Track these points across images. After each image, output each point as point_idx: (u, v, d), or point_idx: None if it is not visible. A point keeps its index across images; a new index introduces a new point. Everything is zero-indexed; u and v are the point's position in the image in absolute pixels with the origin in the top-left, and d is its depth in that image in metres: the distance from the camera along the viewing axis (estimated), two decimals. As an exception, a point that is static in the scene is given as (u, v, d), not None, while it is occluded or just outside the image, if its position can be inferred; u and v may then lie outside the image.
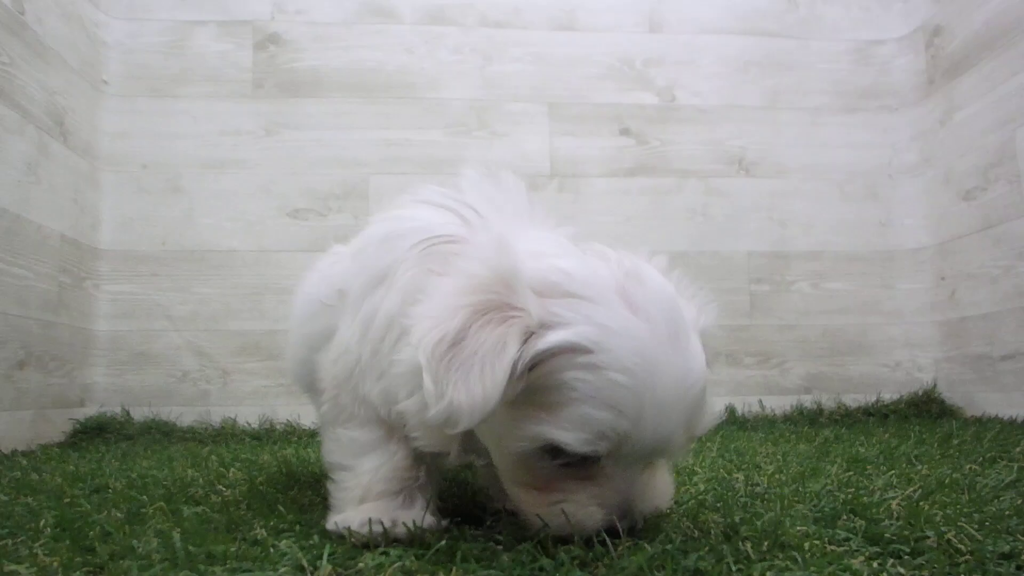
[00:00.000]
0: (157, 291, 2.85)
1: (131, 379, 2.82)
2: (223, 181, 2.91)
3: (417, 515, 0.96)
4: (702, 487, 1.30)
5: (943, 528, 0.89)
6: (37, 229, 2.35)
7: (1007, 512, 0.98)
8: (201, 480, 1.51)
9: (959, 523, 0.90)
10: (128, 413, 2.76)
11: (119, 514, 1.13)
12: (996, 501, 1.06)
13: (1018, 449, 1.67)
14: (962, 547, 0.83)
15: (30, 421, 2.38)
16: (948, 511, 0.99)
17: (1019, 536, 0.86)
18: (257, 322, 2.88)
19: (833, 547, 0.88)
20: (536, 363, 0.80)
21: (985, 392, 2.74)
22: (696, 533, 0.96)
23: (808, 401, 2.97)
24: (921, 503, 1.03)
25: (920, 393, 2.95)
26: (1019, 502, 1.04)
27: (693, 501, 1.18)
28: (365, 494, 0.98)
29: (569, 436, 0.79)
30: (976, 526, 0.90)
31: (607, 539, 0.82)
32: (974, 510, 1.01)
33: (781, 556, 0.84)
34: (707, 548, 0.86)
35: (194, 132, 2.92)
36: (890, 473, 1.30)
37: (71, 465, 1.88)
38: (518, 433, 0.82)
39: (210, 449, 2.28)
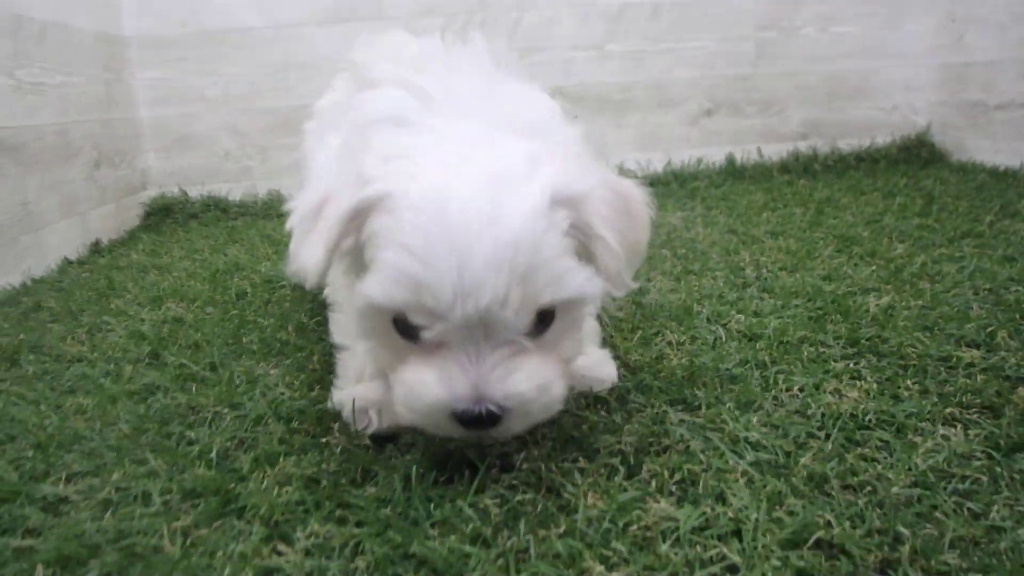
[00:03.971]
0: (187, 74, 2.99)
1: (180, 161, 3.06)
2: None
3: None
4: (720, 281, 1.60)
5: (903, 336, 1.19)
6: (74, 32, 2.47)
7: (954, 312, 1.28)
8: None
9: (915, 333, 1.20)
10: (185, 193, 3.03)
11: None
12: (950, 297, 1.36)
13: (988, 218, 1.96)
14: (912, 352, 1.14)
15: (114, 212, 2.66)
16: (910, 312, 1.30)
17: (955, 341, 1.17)
18: (283, 99, 3.04)
19: (822, 349, 1.19)
20: (363, 222, 0.83)
21: (976, 139, 2.96)
22: (724, 336, 1.28)
23: (804, 147, 3.21)
24: (891, 306, 1.33)
25: (913, 137, 3.18)
26: (964, 300, 1.34)
27: (716, 298, 1.48)
28: (360, 374, 1.05)
29: (372, 286, 0.78)
30: (927, 332, 1.21)
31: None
32: (931, 307, 1.32)
33: (790, 359, 1.15)
34: (737, 357, 1.16)
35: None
36: (872, 267, 1.58)
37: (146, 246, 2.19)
38: (356, 300, 0.82)
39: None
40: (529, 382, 0.79)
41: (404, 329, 0.81)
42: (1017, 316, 1.23)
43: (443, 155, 0.82)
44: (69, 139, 2.36)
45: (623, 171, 3.10)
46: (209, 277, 1.92)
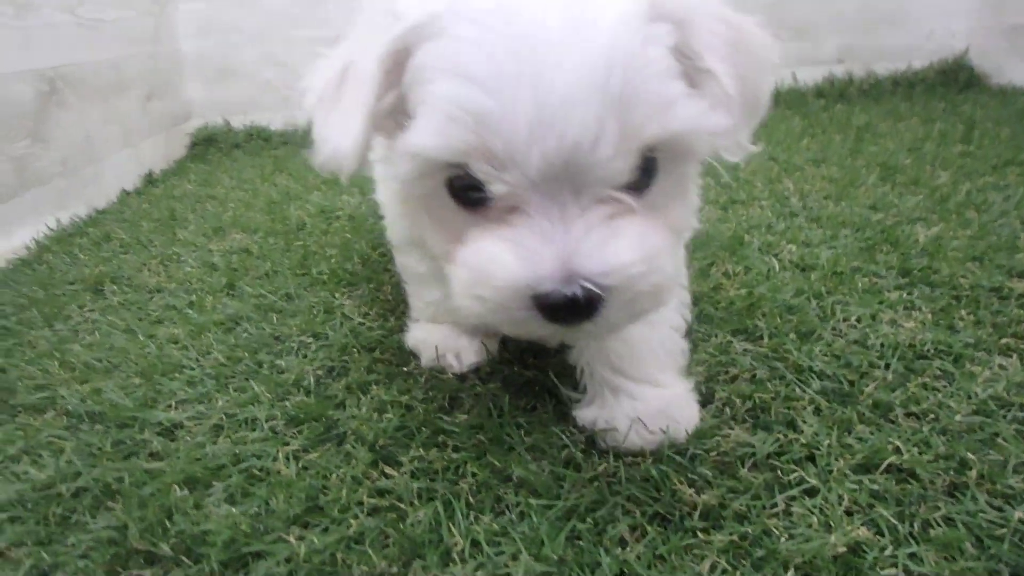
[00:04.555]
0: (227, 6, 3.01)
1: (222, 92, 3.09)
2: None
3: (475, 348, 1.03)
4: (768, 211, 1.64)
5: (954, 266, 1.23)
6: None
7: (1003, 243, 1.32)
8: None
9: (965, 263, 1.24)
10: (228, 123, 3.07)
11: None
12: (997, 227, 1.40)
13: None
14: (964, 283, 1.19)
15: (164, 143, 2.72)
16: (959, 243, 1.34)
17: (1005, 272, 1.21)
18: (322, 29, 3.04)
19: (875, 280, 1.24)
20: (404, 65, 0.65)
21: (1016, 63, 2.94)
22: (777, 266, 1.32)
23: (840, 72, 3.20)
24: (940, 236, 1.37)
25: (950, 60, 3.16)
26: (1011, 230, 1.37)
27: (765, 228, 1.52)
28: (435, 316, 1.05)
29: (421, 132, 0.60)
30: (977, 263, 1.25)
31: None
32: (979, 238, 1.36)
33: (844, 290, 1.20)
34: (792, 288, 1.21)
35: None
36: (918, 197, 1.61)
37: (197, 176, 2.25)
38: (400, 163, 0.64)
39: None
40: (634, 251, 0.60)
41: (463, 194, 0.63)
42: (1065, 246, 1.27)
43: None
44: (123, 73, 2.40)
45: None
46: (265, 207, 1.98)
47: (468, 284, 0.63)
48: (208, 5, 2.99)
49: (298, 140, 3.00)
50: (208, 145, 3.00)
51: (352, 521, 0.75)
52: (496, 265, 0.60)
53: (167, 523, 0.76)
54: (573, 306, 0.58)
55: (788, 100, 3.05)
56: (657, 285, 0.62)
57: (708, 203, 1.73)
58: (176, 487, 0.81)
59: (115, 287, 1.46)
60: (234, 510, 0.77)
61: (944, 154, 1.98)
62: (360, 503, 0.78)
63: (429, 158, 0.61)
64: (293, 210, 1.93)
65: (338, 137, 0.66)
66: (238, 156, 2.86)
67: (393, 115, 0.67)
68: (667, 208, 0.66)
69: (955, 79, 3.09)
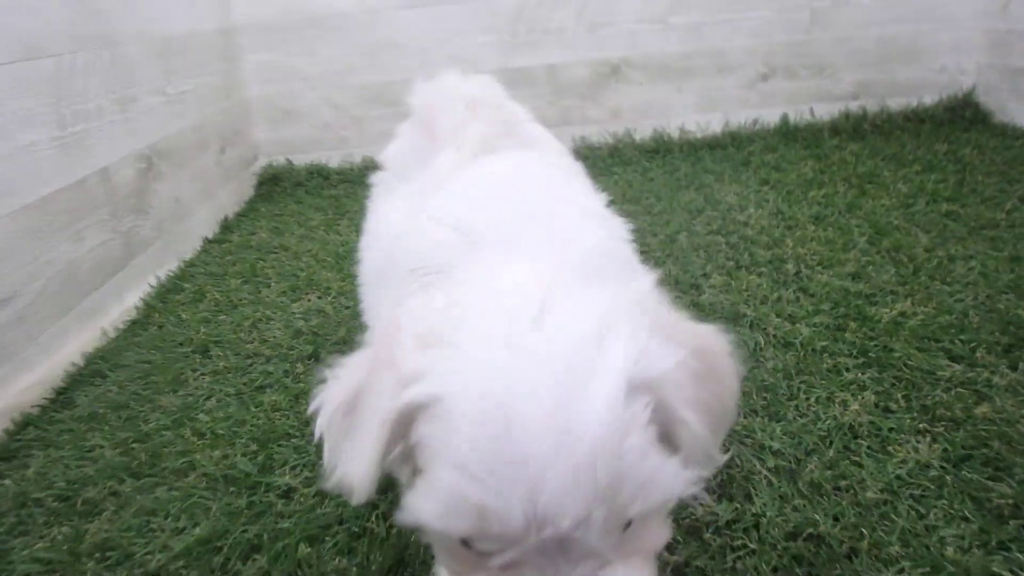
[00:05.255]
0: (290, 56, 3.34)
1: (285, 133, 3.44)
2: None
3: None
4: (764, 279, 1.92)
5: (905, 347, 1.51)
6: (200, 36, 2.83)
7: (953, 320, 1.59)
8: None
9: (916, 344, 1.52)
10: (290, 162, 3.42)
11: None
12: (953, 303, 1.67)
13: (1010, 203, 2.23)
14: (910, 365, 1.47)
15: (235, 186, 3.08)
16: (916, 321, 1.61)
17: (945, 355, 1.49)
18: (376, 75, 3.38)
19: (838, 360, 1.52)
20: (410, 423, 0.69)
21: (1017, 103, 3.16)
22: (763, 342, 1.61)
23: (855, 107, 3.44)
24: (903, 313, 1.65)
25: (959, 96, 3.38)
26: (964, 307, 1.64)
27: (759, 301, 1.81)
28: None
29: (426, 509, 0.64)
30: (926, 341, 1.53)
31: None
32: (935, 316, 1.63)
33: (812, 369, 1.49)
34: (771, 365, 1.50)
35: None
36: (896, 267, 1.88)
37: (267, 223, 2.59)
38: (406, 514, 0.67)
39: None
40: None
41: (471, 545, 0.67)
42: (997, 331, 1.54)
43: (491, 332, 0.68)
44: (202, 133, 2.74)
45: (684, 133, 3.40)
46: (333, 263, 2.31)
47: None
48: (273, 55, 3.33)
49: (354, 177, 3.32)
50: (273, 184, 3.34)
51: (426, 573, 1.07)
52: None
53: (298, 571, 1.08)
54: None
55: (805, 137, 3.29)
56: None
57: (716, 267, 2.02)
58: (302, 544, 1.14)
59: (219, 351, 1.80)
60: (345, 561, 1.09)
61: (931, 212, 2.24)
62: (433, 557, 1.09)
63: (434, 531, 0.65)
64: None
65: (350, 470, 0.71)
66: (301, 196, 3.19)
67: (404, 460, 0.72)
68: (645, 538, 0.71)
69: (962, 115, 3.31)
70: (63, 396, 1.71)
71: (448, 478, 0.62)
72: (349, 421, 0.72)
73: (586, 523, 0.61)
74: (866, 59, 3.41)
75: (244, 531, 1.18)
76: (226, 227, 2.85)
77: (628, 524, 0.66)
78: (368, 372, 0.73)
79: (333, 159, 3.45)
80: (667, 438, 0.70)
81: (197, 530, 1.20)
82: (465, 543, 0.66)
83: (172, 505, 1.28)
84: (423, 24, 3.27)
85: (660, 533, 0.74)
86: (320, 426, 0.75)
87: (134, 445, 1.46)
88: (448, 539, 0.67)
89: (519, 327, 0.67)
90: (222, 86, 3.01)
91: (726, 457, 0.77)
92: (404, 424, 0.69)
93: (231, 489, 1.30)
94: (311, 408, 0.77)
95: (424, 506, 0.64)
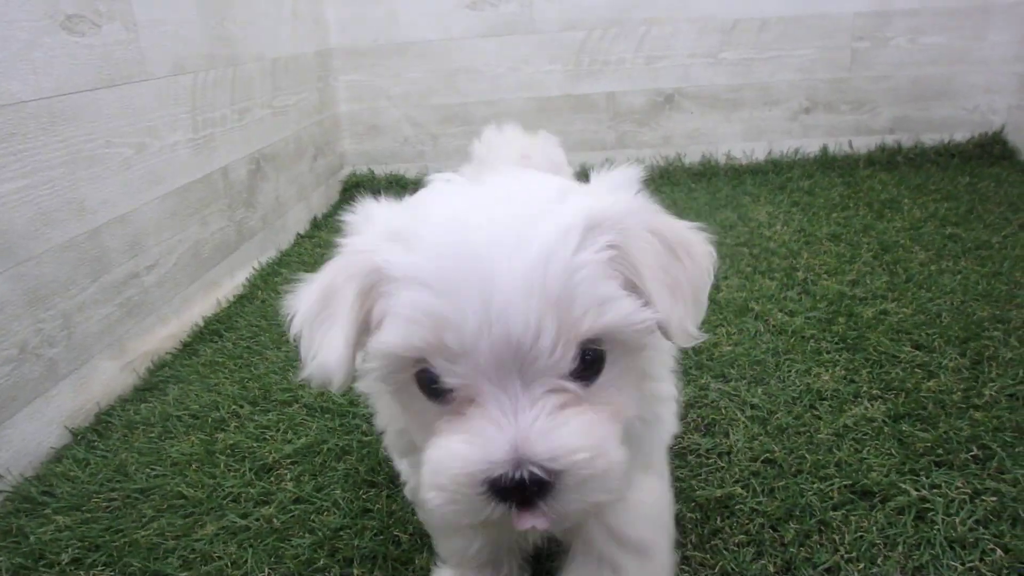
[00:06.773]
0: (377, 77, 3.76)
1: (369, 145, 3.85)
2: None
3: None
4: (776, 283, 2.23)
5: (880, 337, 1.82)
6: (302, 59, 3.26)
7: (925, 320, 1.89)
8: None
9: (888, 335, 1.83)
10: (372, 171, 3.83)
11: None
12: (930, 306, 1.97)
13: (1007, 230, 2.50)
14: (879, 350, 1.77)
15: (324, 190, 3.50)
16: (895, 318, 1.91)
17: (911, 343, 1.79)
18: (452, 97, 3.77)
19: (821, 344, 1.83)
20: (379, 285, 0.72)
21: (1041, 142, 3.43)
22: (763, 329, 1.93)
23: (891, 140, 3.72)
24: (884, 311, 1.95)
25: (989, 134, 3.64)
26: (938, 309, 1.94)
27: (767, 298, 2.12)
28: (460, 562, 1.09)
29: (387, 332, 0.68)
30: (898, 334, 1.83)
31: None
32: (912, 315, 1.93)
33: (798, 350, 1.80)
34: (765, 347, 1.82)
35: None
36: (890, 277, 2.18)
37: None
38: (374, 363, 0.72)
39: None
40: (580, 439, 0.66)
41: (430, 387, 0.70)
42: (959, 327, 1.83)
43: (462, 192, 0.77)
44: (300, 142, 3.17)
45: (730, 159, 3.72)
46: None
47: (430, 476, 0.68)
48: (362, 76, 3.75)
49: (428, 188, 3.71)
50: (356, 190, 3.75)
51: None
52: (452, 456, 0.66)
53: (379, 467, 1.45)
54: (523, 488, 0.64)
55: (841, 167, 3.59)
56: (604, 471, 0.67)
57: (736, 272, 2.34)
58: (382, 449, 1.50)
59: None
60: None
61: (936, 234, 2.53)
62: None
63: (395, 355, 0.69)
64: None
65: (325, 354, 0.73)
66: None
67: (368, 331, 0.74)
68: (614, 398, 0.73)
69: (990, 152, 3.57)
70: (188, 348, 2.11)
71: (408, 296, 0.67)
72: (323, 314, 0.75)
73: (538, 330, 0.64)
74: (903, 97, 3.69)
75: (338, 442, 1.55)
76: (315, 225, 3.26)
77: (594, 367, 0.71)
78: (338, 269, 0.77)
79: (411, 171, 3.85)
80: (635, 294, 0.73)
81: (301, 440, 1.57)
82: (425, 385, 0.71)
83: (281, 423, 1.65)
84: (497, 52, 3.66)
85: (631, 403, 0.77)
86: (295, 326, 0.78)
87: (249, 383, 1.85)
88: (409, 382, 0.72)
89: (487, 186, 0.77)
90: (318, 102, 3.43)
91: (704, 336, 0.80)
92: (375, 284, 0.72)
93: (327, 415, 1.67)
94: (286, 315, 0.81)
95: (387, 331, 0.68)
